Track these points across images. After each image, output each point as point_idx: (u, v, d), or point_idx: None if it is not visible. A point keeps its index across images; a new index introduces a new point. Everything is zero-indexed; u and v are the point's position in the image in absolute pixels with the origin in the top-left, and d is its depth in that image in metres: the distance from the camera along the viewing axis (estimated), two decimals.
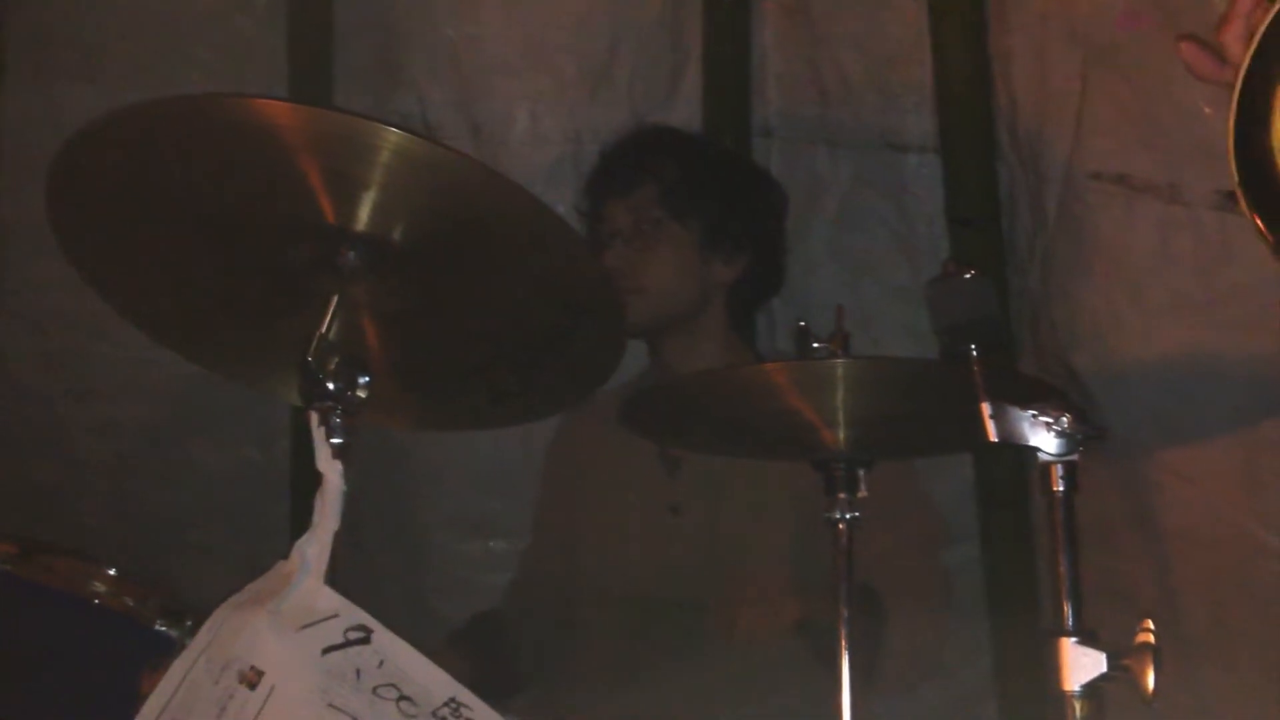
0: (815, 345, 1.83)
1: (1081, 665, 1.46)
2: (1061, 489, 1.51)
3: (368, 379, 1.53)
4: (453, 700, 1.42)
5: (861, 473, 1.89)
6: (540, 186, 2.84)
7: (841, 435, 1.88)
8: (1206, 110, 2.05)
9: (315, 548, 1.43)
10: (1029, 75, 2.59)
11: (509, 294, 1.72)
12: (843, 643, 1.84)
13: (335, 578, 1.43)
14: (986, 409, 1.50)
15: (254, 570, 1.46)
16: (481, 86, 2.98)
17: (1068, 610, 1.49)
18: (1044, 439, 1.50)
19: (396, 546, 3.10)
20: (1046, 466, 1.52)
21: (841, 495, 1.89)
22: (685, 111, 2.96)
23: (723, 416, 2.02)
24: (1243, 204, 1.08)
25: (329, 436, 1.48)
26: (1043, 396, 1.54)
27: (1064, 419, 1.49)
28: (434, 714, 1.41)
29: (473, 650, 2.49)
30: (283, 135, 1.51)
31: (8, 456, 3.01)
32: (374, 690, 1.39)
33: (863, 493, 1.89)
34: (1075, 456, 1.51)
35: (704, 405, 2.04)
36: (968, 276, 1.68)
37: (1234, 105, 1.06)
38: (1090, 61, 2.43)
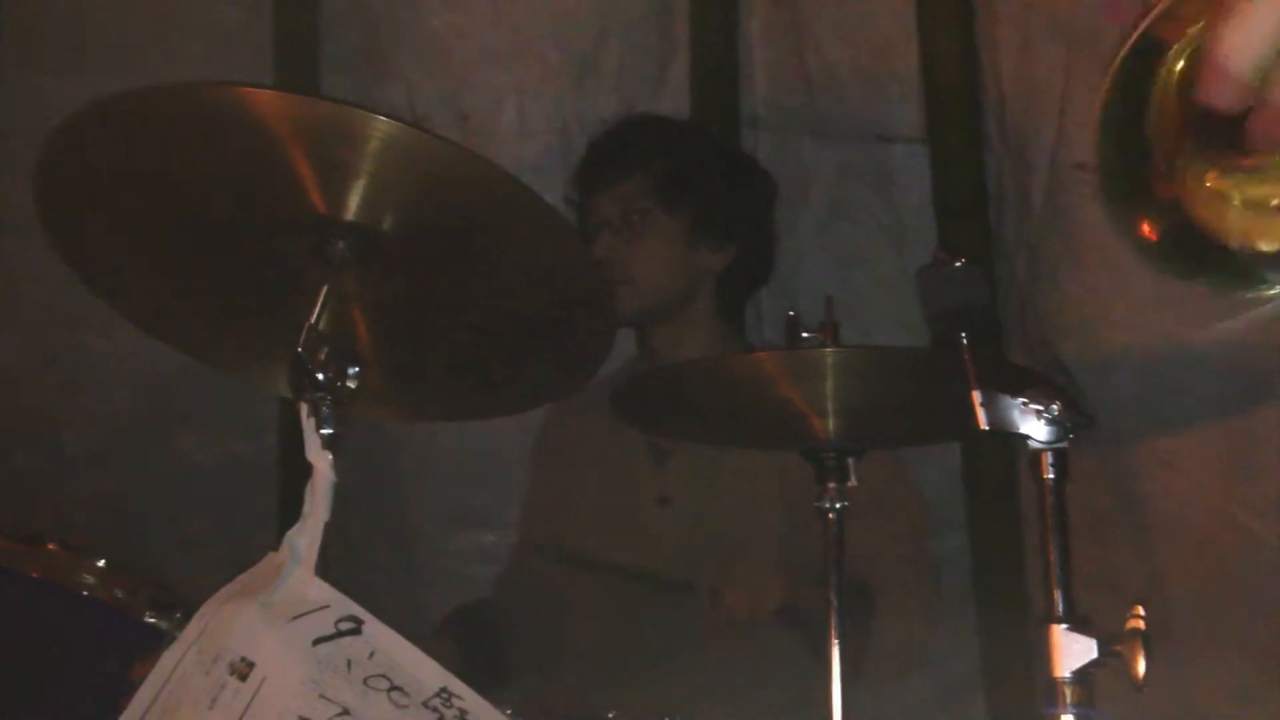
0: (804, 335, 1.83)
1: (1072, 651, 1.46)
2: (1052, 476, 1.52)
3: (357, 369, 1.53)
4: (444, 690, 1.41)
5: (851, 462, 1.89)
6: (528, 177, 2.78)
7: (831, 424, 1.88)
8: None
9: (306, 539, 1.42)
10: (1015, 66, 2.58)
11: (499, 284, 1.71)
12: (832, 633, 1.85)
13: (325, 569, 1.43)
14: (977, 397, 1.50)
15: (243, 563, 1.45)
16: (469, 77, 2.97)
17: (1058, 597, 1.49)
18: (1034, 426, 1.51)
19: (387, 539, 3.10)
20: (1036, 454, 1.52)
21: (831, 484, 1.89)
22: (673, 101, 2.95)
23: (713, 406, 2.01)
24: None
25: (319, 427, 1.48)
26: (1033, 384, 1.54)
27: (1054, 406, 1.50)
28: (425, 704, 1.40)
29: (463, 640, 2.49)
30: (271, 124, 1.50)
31: None
32: (365, 681, 1.38)
33: (852, 482, 1.89)
34: (1065, 444, 1.51)
35: (694, 394, 2.04)
36: (958, 264, 1.69)
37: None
38: (1073, 52, 2.43)
